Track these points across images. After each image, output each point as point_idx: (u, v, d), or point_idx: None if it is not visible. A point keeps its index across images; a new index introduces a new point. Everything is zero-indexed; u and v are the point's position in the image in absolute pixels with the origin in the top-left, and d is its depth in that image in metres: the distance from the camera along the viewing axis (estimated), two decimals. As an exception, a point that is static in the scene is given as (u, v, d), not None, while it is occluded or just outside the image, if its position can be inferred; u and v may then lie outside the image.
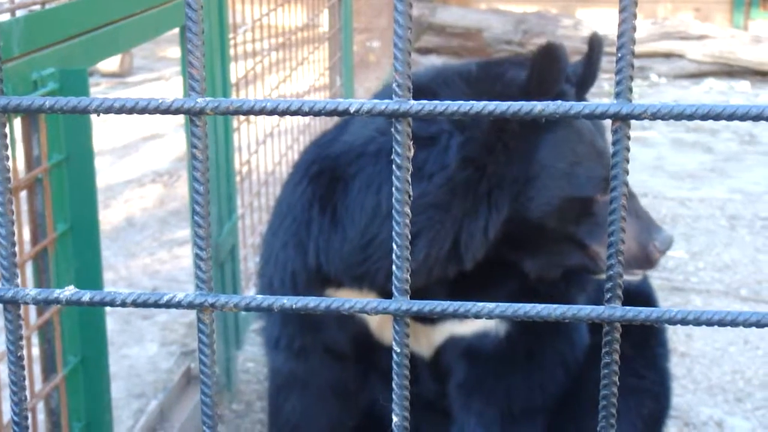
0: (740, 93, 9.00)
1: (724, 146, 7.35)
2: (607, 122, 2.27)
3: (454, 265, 2.55)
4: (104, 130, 7.22)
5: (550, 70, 2.46)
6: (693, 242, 5.53)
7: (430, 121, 2.51)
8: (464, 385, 2.84)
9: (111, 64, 9.11)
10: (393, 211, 0.94)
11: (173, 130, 7.29)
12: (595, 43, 2.65)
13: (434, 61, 10.44)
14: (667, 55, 9.93)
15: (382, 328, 2.81)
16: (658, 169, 6.81)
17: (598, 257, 2.57)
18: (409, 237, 0.93)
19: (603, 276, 2.54)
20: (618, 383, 0.95)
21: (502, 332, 2.75)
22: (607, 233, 2.58)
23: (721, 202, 6.15)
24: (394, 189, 0.93)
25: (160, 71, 9.68)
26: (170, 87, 8.99)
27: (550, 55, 2.47)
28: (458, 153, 2.48)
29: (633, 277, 2.63)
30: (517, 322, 2.73)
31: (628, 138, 0.91)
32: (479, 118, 0.88)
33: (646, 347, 3.06)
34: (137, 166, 6.74)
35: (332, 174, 2.67)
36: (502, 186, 2.50)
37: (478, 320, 2.76)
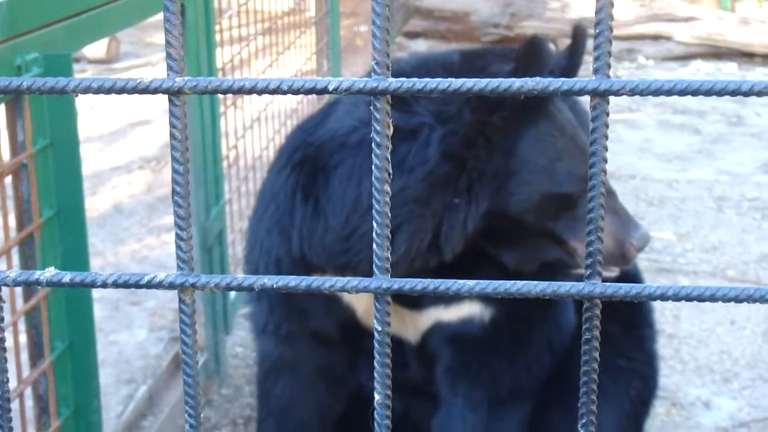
0: (727, 75, 9.01)
1: (712, 128, 7.36)
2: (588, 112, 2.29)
3: (434, 257, 2.55)
4: (91, 117, 7.19)
5: (534, 65, 2.47)
6: (680, 224, 5.54)
7: (412, 113, 2.51)
8: (450, 369, 2.86)
9: (97, 50, 9.07)
10: (373, 189, 0.94)
11: (160, 116, 7.27)
12: (578, 33, 2.63)
13: (421, 44, 10.43)
14: (655, 38, 9.92)
15: (369, 314, 2.81)
16: (645, 151, 6.82)
17: (576, 253, 2.57)
18: (389, 215, 0.93)
19: (581, 271, 2.55)
20: (598, 359, 0.96)
21: (487, 318, 2.75)
22: (585, 230, 2.57)
23: (708, 184, 6.16)
24: (373, 167, 0.93)
25: (146, 57, 9.65)
26: (157, 73, 8.96)
27: (534, 49, 2.48)
28: (439, 147, 2.48)
29: (610, 273, 2.61)
30: (502, 308, 2.73)
31: (607, 114, 0.91)
32: (459, 95, 0.88)
33: (633, 328, 3.08)
34: (125, 152, 6.72)
35: (315, 163, 2.67)
36: (482, 180, 2.50)
37: (464, 307, 2.76)
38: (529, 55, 2.47)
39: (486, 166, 2.50)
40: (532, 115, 2.54)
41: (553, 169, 2.53)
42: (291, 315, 2.91)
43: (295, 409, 3.10)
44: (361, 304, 2.80)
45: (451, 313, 2.78)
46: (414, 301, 2.73)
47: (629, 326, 3.07)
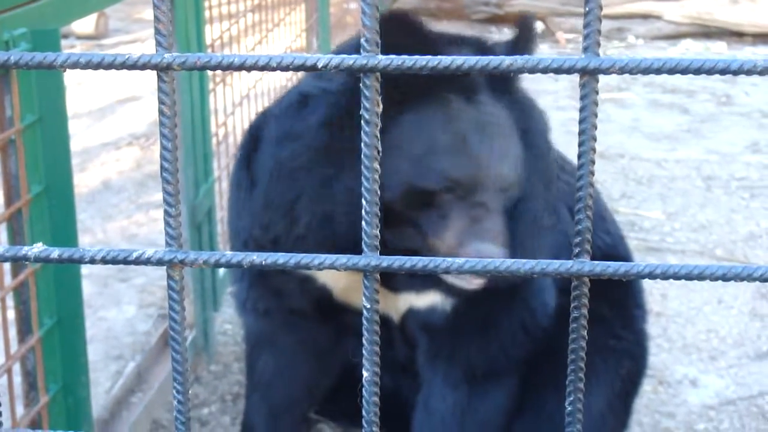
0: (717, 54, 9.01)
1: (701, 107, 7.37)
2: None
3: (329, 232, 2.50)
4: (80, 93, 7.16)
5: (529, 43, 2.48)
6: (669, 203, 5.55)
7: (323, 82, 2.50)
8: (428, 351, 2.86)
9: (86, 26, 9.03)
10: (362, 167, 0.94)
11: (150, 92, 7.24)
12: (524, 25, 2.50)
13: (412, 22, 10.40)
14: (645, 16, 9.92)
15: (347, 292, 2.80)
16: (634, 131, 6.83)
17: (435, 250, 2.43)
18: (378, 192, 0.93)
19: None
20: (586, 337, 0.96)
21: (448, 307, 2.73)
22: (447, 230, 2.49)
23: (697, 163, 6.17)
24: (362, 145, 0.93)
25: (136, 33, 9.61)
26: (146, 49, 8.92)
27: (526, 27, 2.48)
28: (320, 117, 2.46)
29: (462, 282, 2.48)
30: (461, 298, 2.69)
31: (596, 93, 0.91)
32: (447, 73, 0.88)
33: (623, 309, 3.09)
34: (114, 129, 6.70)
35: (256, 133, 2.69)
36: (356, 157, 2.46)
37: (429, 295, 2.72)
38: (524, 31, 2.46)
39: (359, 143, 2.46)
40: (418, 101, 2.42)
41: (421, 162, 2.40)
42: (268, 293, 2.91)
43: (280, 384, 3.12)
44: (338, 285, 2.79)
45: (421, 300, 2.75)
46: (391, 284, 2.70)
47: (619, 307, 3.07)
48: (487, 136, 2.45)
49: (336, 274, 2.73)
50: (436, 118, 2.43)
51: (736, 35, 9.47)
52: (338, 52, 2.88)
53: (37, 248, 0.95)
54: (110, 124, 6.81)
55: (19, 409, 2.64)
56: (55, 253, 0.95)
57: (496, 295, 2.69)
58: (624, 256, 3.16)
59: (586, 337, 0.98)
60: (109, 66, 0.90)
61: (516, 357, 2.84)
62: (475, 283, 2.47)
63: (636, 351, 3.11)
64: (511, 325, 2.78)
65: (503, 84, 2.56)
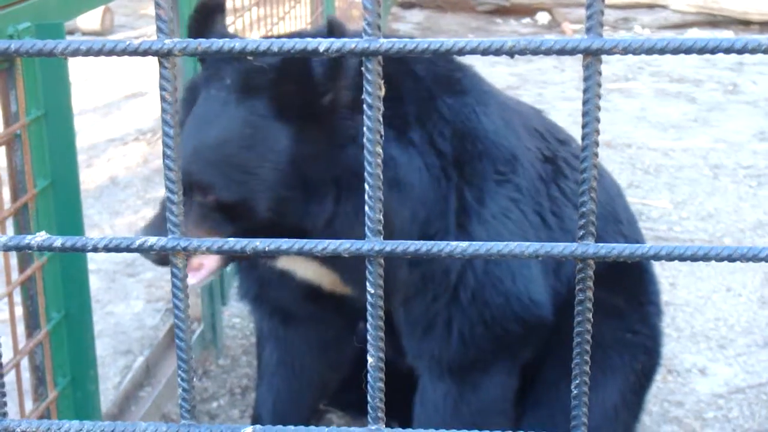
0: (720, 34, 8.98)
1: (708, 96, 7.35)
2: None
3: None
4: (85, 89, 7.17)
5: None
6: (676, 192, 5.54)
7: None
8: (408, 345, 2.85)
9: (92, 22, 9.03)
10: (365, 151, 0.93)
11: (155, 88, 7.24)
12: (332, 27, 2.36)
13: (417, 15, 10.39)
14: (651, 6, 9.89)
15: (337, 284, 2.78)
16: (641, 120, 6.81)
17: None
18: (380, 177, 0.93)
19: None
20: (591, 320, 0.96)
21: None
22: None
23: (704, 152, 6.15)
24: (365, 129, 0.92)
25: (141, 29, 9.61)
26: (152, 45, 8.91)
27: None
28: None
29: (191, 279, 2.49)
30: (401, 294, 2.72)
31: (599, 74, 0.90)
32: (449, 55, 0.87)
33: (638, 304, 3.07)
34: (120, 124, 6.70)
35: None
36: None
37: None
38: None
39: None
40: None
41: (193, 151, 2.43)
42: (256, 285, 2.96)
43: (285, 373, 3.13)
44: (324, 280, 2.79)
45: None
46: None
47: (635, 302, 3.06)
48: (187, 128, 2.46)
49: (318, 270, 2.73)
50: (195, 116, 2.49)
51: (743, 24, 9.44)
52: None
53: (40, 237, 0.95)
54: (116, 119, 6.82)
55: (28, 404, 2.64)
56: (59, 241, 0.95)
57: (438, 291, 2.67)
58: (639, 261, 3.14)
59: (591, 320, 0.98)
60: (110, 53, 0.89)
61: (495, 346, 2.77)
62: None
63: (651, 345, 3.09)
64: (468, 318, 2.72)
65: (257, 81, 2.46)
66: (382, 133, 0.93)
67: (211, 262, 2.51)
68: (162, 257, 2.42)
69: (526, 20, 10.10)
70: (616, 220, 3.05)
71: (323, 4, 5.86)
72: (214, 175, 2.40)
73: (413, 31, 9.64)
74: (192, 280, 2.49)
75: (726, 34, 9.20)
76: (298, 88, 2.37)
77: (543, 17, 10.07)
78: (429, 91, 2.64)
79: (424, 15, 10.36)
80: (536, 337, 2.83)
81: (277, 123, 2.40)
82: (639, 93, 7.42)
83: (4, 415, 1.01)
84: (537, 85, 7.64)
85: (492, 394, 2.85)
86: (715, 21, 9.51)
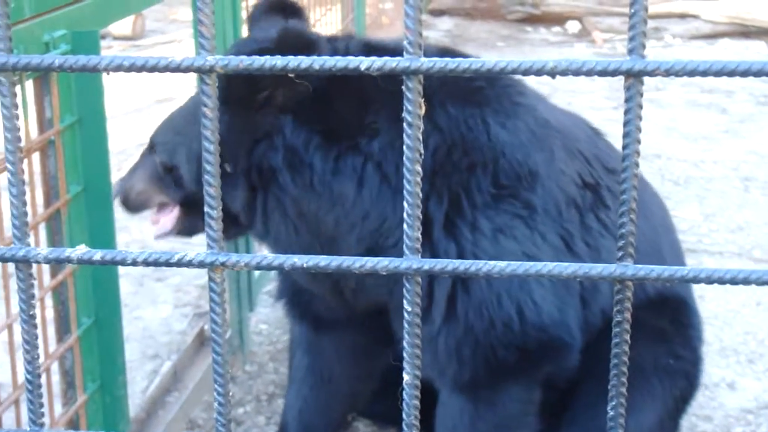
0: (755, 53, 8.93)
1: (739, 107, 7.30)
2: None
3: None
4: (117, 95, 7.20)
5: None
6: (706, 204, 5.51)
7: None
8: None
9: (123, 27, 9.09)
10: (404, 170, 0.93)
11: (186, 93, 7.27)
12: (282, 39, 2.47)
13: (447, 22, 10.39)
14: (682, 16, 9.85)
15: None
16: (671, 131, 6.78)
17: None
18: (419, 195, 0.93)
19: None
20: (629, 341, 0.95)
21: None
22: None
23: (735, 164, 6.12)
24: (405, 147, 0.93)
25: (172, 34, 9.65)
26: (183, 49, 8.96)
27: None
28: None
29: None
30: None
31: (641, 95, 0.90)
32: (491, 75, 0.87)
33: (682, 327, 3.04)
34: (151, 129, 6.71)
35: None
36: None
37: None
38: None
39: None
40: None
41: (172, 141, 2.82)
42: (288, 286, 3.03)
43: (314, 382, 3.13)
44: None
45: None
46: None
47: (679, 324, 3.02)
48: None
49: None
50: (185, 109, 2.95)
51: (774, 34, 9.38)
52: (236, 51, 2.94)
53: (80, 250, 0.95)
54: (147, 124, 6.84)
55: (57, 408, 2.66)
56: (98, 255, 0.95)
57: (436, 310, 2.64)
58: (683, 295, 3.09)
59: (629, 342, 0.97)
60: (153, 69, 0.90)
61: (498, 367, 2.69)
62: None
63: (691, 371, 3.05)
64: (464, 339, 2.65)
65: None
66: (422, 151, 0.93)
67: (165, 221, 2.90)
68: (129, 205, 2.96)
69: (556, 29, 10.08)
70: (659, 258, 2.97)
71: (354, 11, 5.87)
72: (161, 138, 2.88)
73: (443, 38, 9.64)
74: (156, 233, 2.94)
75: (758, 45, 9.15)
76: (243, 79, 2.55)
77: (573, 26, 10.05)
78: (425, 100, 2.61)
79: (454, 23, 10.35)
80: (556, 358, 2.75)
81: (221, 107, 2.46)
82: (669, 103, 7.38)
83: (41, 425, 1.02)
84: (567, 94, 7.62)
85: (509, 410, 2.79)
86: (746, 31, 9.45)
